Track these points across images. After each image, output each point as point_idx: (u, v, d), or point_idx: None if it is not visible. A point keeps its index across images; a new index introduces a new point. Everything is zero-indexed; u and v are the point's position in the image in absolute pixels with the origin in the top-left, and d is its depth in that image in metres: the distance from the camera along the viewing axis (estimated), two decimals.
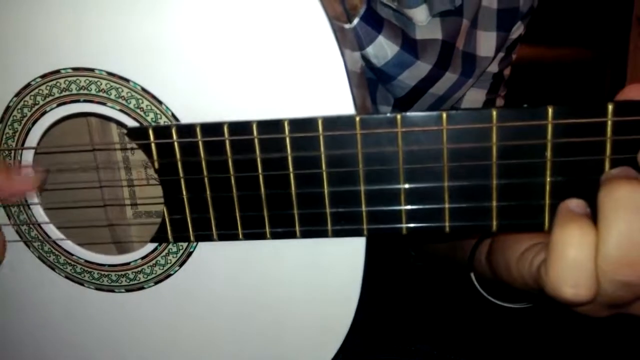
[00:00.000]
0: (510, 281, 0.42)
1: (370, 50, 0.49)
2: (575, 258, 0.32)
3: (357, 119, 0.35)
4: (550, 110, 0.33)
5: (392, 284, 0.71)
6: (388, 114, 0.35)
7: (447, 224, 0.37)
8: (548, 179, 0.34)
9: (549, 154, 0.34)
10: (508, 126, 0.34)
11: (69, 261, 0.45)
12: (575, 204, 0.34)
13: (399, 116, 0.35)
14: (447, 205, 0.36)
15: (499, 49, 0.56)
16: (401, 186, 0.36)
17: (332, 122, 0.36)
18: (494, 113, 0.34)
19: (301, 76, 0.37)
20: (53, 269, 0.45)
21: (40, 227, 0.44)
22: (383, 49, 0.49)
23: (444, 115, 0.34)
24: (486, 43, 0.55)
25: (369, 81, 0.55)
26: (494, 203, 0.35)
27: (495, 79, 0.60)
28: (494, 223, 0.36)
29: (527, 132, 0.34)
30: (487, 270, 0.47)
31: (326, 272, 0.41)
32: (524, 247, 0.40)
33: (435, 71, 0.52)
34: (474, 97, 0.59)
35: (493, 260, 0.44)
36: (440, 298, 0.69)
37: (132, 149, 0.48)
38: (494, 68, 0.59)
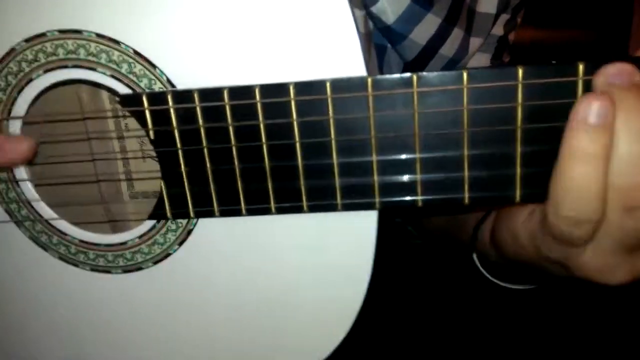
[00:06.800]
0: (518, 253, 0.39)
1: (380, 6, 0.46)
2: (580, 173, 0.29)
3: (369, 80, 0.33)
4: (581, 67, 0.30)
5: (393, 264, 0.69)
6: (403, 74, 0.32)
7: (466, 194, 0.34)
8: None
9: None
10: (535, 84, 0.31)
11: (63, 241, 0.42)
12: (595, 110, 0.29)
13: (415, 76, 0.32)
14: (466, 174, 0.33)
15: (501, 8, 0.53)
16: (417, 155, 0.33)
17: (341, 85, 0.33)
18: (520, 71, 0.31)
19: (307, 37, 0.34)
20: (45, 250, 0.42)
21: (31, 205, 0.41)
22: (394, 2, 0.46)
23: (465, 73, 0.31)
24: None
25: (377, 49, 0.52)
26: (518, 170, 0.33)
27: (500, 43, 0.57)
28: (518, 193, 0.33)
29: (555, 90, 0.31)
30: (491, 250, 0.44)
31: (335, 251, 0.38)
32: (531, 207, 0.37)
33: (444, 27, 0.50)
34: (479, 61, 0.57)
35: (497, 237, 0.42)
36: (443, 280, 0.67)
37: (124, 116, 0.45)
38: (499, 30, 0.56)
